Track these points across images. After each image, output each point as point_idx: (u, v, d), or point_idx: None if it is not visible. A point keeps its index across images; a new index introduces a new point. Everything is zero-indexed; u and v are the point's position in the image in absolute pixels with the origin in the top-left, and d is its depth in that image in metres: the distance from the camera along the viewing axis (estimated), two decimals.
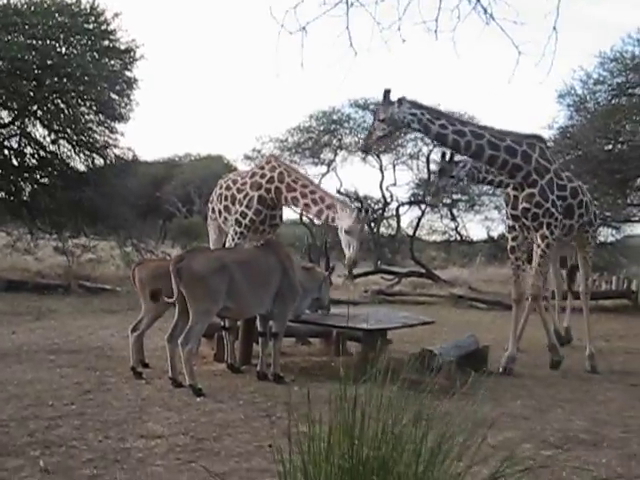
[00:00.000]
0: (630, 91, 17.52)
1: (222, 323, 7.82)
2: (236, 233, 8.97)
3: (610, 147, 15.83)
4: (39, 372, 7.30)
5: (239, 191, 9.10)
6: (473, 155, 7.80)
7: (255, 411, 6.03)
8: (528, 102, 58.02)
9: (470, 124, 8.12)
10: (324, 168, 32.62)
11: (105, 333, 10.38)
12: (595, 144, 15.29)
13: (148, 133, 64.76)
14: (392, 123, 7.62)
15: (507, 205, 8.26)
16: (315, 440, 3.10)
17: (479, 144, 7.62)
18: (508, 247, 8.48)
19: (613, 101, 17.56)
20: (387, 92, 7.70)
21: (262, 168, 9.14)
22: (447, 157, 8.33)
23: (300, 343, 9.60)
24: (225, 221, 9.35)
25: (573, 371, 8.67)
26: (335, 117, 30.52)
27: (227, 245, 9.03)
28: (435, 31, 4.10)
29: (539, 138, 8.26)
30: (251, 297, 6.86)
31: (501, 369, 8.15)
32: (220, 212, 9.31)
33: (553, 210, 7.93)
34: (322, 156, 31.25)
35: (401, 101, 7.58)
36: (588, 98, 17.97)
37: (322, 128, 30.47)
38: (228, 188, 9.26)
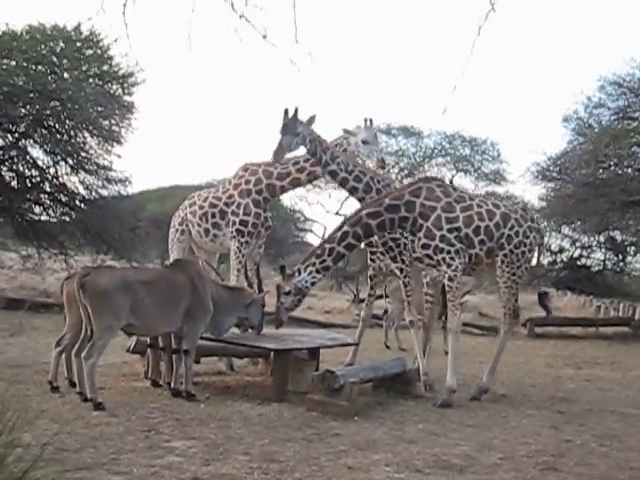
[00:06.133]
0: (636, 115, 17.22)
1: (147, 341, 7.94)
2: (241, 244, 9.19)
3: (601, 171, 15.55)
4: None
5: (228, 205, 9.34)
6: (366, 235, 8.11)
7: (140, 426, 6.07)
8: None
9: (350, 218, 8.12)
10: (346, 192, 32.73)
11: None
12: (580, 169, 15.06)
13: (189, 159, 65.98)
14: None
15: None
16: None
17: (364, 223, 7.88)
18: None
19: (619, 125, 17.28)
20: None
21: (242, 177, 9.43)
22: (290, 114, 8.22)
23: (252, 363, 9.66)
24: (214, 238, 9.56)
25: (509, 396, 8.51)
26: None
27: (234, 259, 9.25)
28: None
29: (427, 179, 8.48)
30: (157, 315, 6.94)
31: (426, 387, 8.28)
32: (207, 231, 9.53)
33: (443, 245, 7.79)
34: None
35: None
36: (592, 122, 17.74)
37: None
38: (213, 205, 9.50)
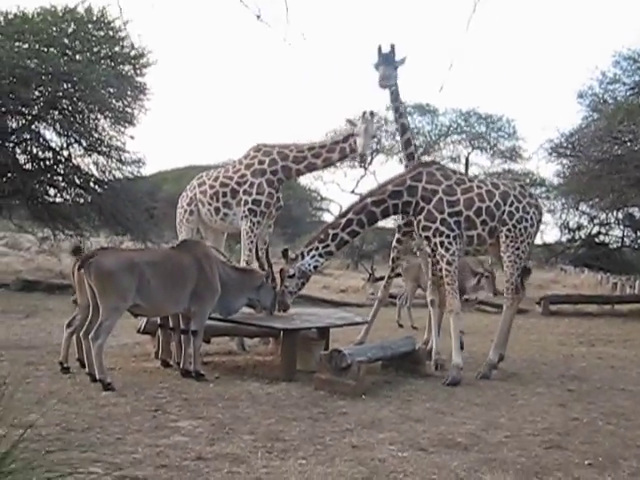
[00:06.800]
0: None
1: (158, 321, 7.97)
2: (253, 224, 9.19)
3: (615, 147, 15.34)
4: None
5: (240, 184, 9.33)
6: (370, 222, 8.23)
7: (148, 406, 6.11)
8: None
9: (354, 205, 8.24)
10: (361, 171, 32.76)
11: None
12: (594, 145, 14.86)
13: (205, 139, 66.04)
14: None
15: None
16: None
17: (369, 211, 8.10)
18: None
19: (635, 100, 17.00)
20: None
21: (254, 157, 9.43)
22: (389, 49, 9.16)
23: (263, 342, 9.71)
24: (225, 217, 9.56)
25: (519, 374, 8.49)
26: None
27: (245, 239, 9.26)
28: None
29: (427, 164, 8.59)
30: (164, 296, 6.96)
31: (437, 366, 8.33)
32: (217, 210, 9.53)
33: (443, 228, 7.93)
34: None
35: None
36: (607, 97, 17.47)
37: None
38: (224, 185, 9.48)
